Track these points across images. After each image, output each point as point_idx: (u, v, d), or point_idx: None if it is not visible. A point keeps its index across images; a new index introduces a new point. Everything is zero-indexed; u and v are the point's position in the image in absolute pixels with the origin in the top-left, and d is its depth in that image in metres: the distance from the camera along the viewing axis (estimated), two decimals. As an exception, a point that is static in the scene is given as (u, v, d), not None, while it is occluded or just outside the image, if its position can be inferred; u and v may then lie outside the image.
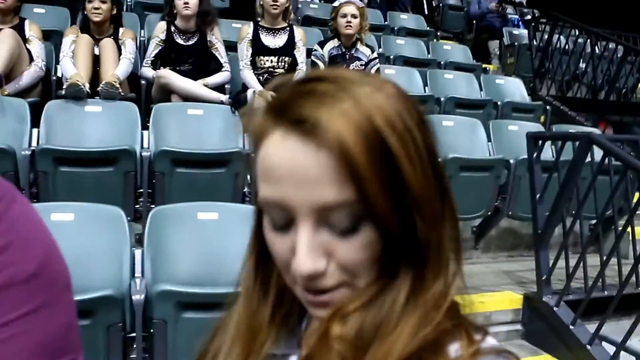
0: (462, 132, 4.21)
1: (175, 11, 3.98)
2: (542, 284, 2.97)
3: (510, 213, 3.72)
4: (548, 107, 5.31)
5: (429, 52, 6.04)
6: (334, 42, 4.33)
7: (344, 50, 4.32)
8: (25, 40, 3.67)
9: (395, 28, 6.57)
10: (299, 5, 6.23)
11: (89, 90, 3.49)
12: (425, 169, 0.53)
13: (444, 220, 0.55)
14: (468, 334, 0.53)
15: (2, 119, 3.26)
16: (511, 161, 3.68)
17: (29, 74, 3.62)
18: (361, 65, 4.31)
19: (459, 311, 0.56)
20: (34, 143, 3.27)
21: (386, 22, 6.74)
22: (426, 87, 5.07)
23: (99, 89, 3.49)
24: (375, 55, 4.43)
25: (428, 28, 7.02)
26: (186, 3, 3.89)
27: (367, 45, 4.44)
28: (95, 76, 3.65)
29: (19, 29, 3.68)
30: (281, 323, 0.62)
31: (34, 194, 3.04)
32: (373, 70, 4.31)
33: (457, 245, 0.57)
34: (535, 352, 2.94)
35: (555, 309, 2.89)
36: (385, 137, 0.50)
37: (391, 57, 5.50)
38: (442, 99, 4.72)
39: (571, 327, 2.79)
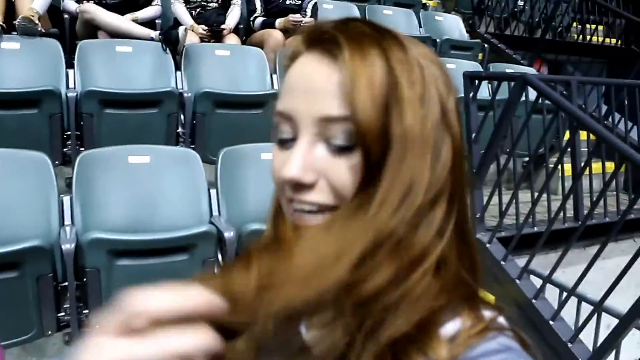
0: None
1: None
2: (476, 222, 3.04)
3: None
4: (486, 45, 5.33)
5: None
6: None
7: (280, -16, 4.17)
8: None
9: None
10: None
11: (3, 25, 3.25)
12: (425, 122, 0.54)
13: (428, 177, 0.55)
14: (472, 310, 0.55)
15: None
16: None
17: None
18: (296, 1, 4.18)
19: (468, 287, 0.56)
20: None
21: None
22: (365, 23, 4.97)
23: (15, 22, 3.25)
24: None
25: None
26: None
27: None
28: (10, 9, 3.39)
29: None
30: None
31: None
32: (310, 6, 4.19)
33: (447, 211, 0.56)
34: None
35: (487, 245, 2.97)
36: (398, 80, 0.53)
37: (329, -9, 5.36)
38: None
39: (502, 262, 2.88)
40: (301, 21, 3.97)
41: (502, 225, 3.06)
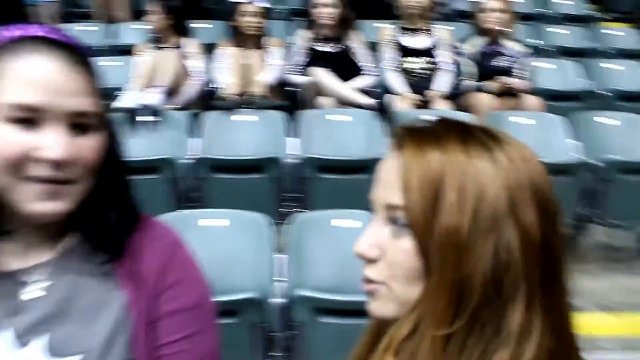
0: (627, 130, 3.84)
1: (316, 19, 4.09)
2: None
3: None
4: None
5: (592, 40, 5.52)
6: (479, 39, 4.19)
7: (490, 46, 4.16)
8: (186, 57, 4.01)
9: (551, 14, 6.04)
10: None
11: (241, 100, 3.74)
12: (471, 220, 0.59)
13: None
14: None
15: (167, 131, 3.60)
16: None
17: (190, 89, 3.96)
18: (509, 60, 4.12)
19: None
20: (194, 152, 3.58)
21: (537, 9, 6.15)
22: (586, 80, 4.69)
23: (253, 101, 3.72)
24: (524, 49, 4.22)
25: (589, 10, 6.32)
26: (330, 14, 3.99)
27: (516, 40, 4.25)
28: (245, 85, 3.89)
29: (179, 47, 4.04)
30: None
31: (192, 198, 3.33)
32: (522, 67, 4.11)
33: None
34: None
35: None
36: (445, 182, 0.60)
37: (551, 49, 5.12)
38: (604, 92, 4.34)
39: None
40: (514, 85, 3.93)
41: None
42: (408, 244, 0.62)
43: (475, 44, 4.18)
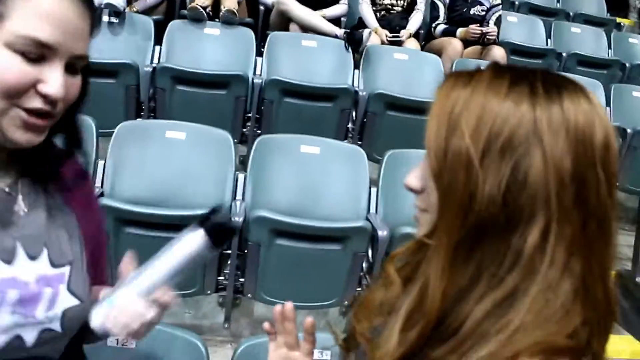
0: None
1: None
2: (638, 263, 2.86)
3: (618, 184, 3.54)
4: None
5: (558, 1, 5.68)
6: (457, -17, 4.18)
7: (467, -8, 4.16)
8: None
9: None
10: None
11: (210, 13, 3.60)
12: (483, 147, 0.62)
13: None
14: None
15: (129, 35, 3.45)
16: (628, 130, 3.48)
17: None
18: (482, 10, 4.15)
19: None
20: (155, 60, 3.45)
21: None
22: (549, 40, 4.81)
23: (220, 14, 3.59)
24: (498, 0, 4.24)
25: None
26: None
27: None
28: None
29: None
30: None
31: (151, 108, 3.23)
32: (494, 18, 4.14)
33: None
34: (617, 331, 2.87)
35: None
36: (461, 117, 0.63)
37: (516, 2, 5.23)
38: (563, 54, 4.47)
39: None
40: (482, 32, 3.95)
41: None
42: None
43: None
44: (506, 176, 0.60)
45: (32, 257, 0.87)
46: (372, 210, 2.73)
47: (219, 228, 0.82)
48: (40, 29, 0.75)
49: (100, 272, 1.01)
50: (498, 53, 3.95)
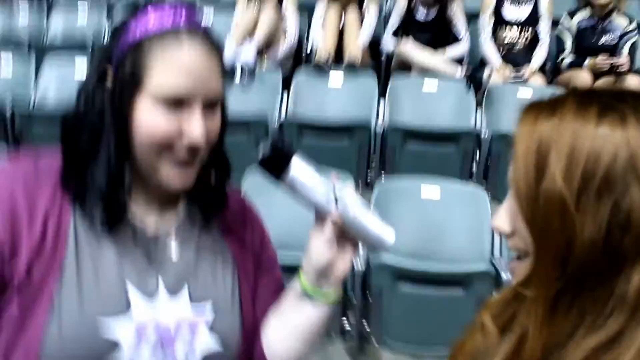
0: None
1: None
2: None
3: None
4: None
5: None
6: (584, 12, 4.02)
7: (595, 21, 3.99)
8: (283, 15, 4.06)
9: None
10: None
11: (332, 62, 3.78)
12: (578, 186, 0.59)
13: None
14: None
15: (259, 89, 3.70)
16: None
17: (284, 47, 4.02)
18: (613, 39, 3.95)
19: None
20: (283, 111, 3.66)
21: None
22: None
23: (343, 63, 3.76)
24: (633, 26, 4.01)
25: None
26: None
27: (625, 15, 4.04)
28: (340, 44, 3.93)
29: (279, 4, 4.08)
30: None
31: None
32: (627, 46, 3.93)
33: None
34: None
35: None
36: (550, 155, 0.60)
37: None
38: None
39: None
40: (613, 63, 3.76)
41: None
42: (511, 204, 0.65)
43: (580, 17, 4.02)
44: (606, 218, 0.57)
45: (173, 292, 0.90)
46: (497, 253, 2.68)
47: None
48: (177, 82, 0.82)
49: (264, 306, 1.00)
50: (634, 83, 3.74)
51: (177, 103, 0.83)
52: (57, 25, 4.92)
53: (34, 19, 4.99)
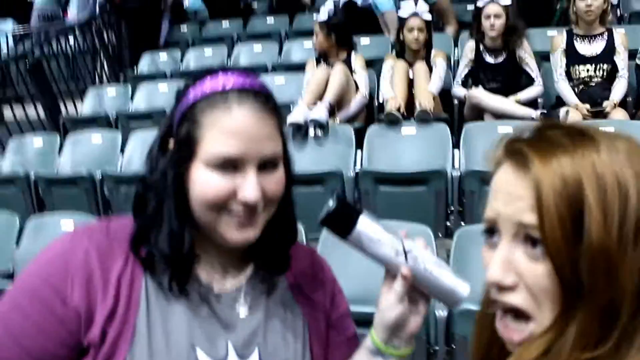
0: None
1: (482, 30, 4.05)
2: None
3: None
4: None
5: None
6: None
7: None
8: (352, 71, 4.16)
9: None
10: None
11: (404, 113, 3.80)
12: (618, 234, 0.54)
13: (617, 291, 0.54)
14: None
15: (333, 144, 3.77)
16: None
17: (355, 103, 4.10)
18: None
19: None
20: (358, 165, 3.70)
21: None
22: None
23: (415, 114, 3.78)
24: None
25: None
26: (492, 25, 3.94)
27: None
28: (410, 97, 3.96)
29: (347, 62, 4.19)
30: None
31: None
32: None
33: None
34: None
35: None
36: (585, 194, 0.54)
37: None
38: None
39: None
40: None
41: None
42: (550, 266, 0.57)
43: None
44: None
45: (243, 356, 0.90)
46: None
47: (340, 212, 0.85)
48: (228, 145, 0.83)
49: None
50: None
51: (230, 165, 0.84)
52: (141, 99, 5.25)
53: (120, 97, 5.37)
